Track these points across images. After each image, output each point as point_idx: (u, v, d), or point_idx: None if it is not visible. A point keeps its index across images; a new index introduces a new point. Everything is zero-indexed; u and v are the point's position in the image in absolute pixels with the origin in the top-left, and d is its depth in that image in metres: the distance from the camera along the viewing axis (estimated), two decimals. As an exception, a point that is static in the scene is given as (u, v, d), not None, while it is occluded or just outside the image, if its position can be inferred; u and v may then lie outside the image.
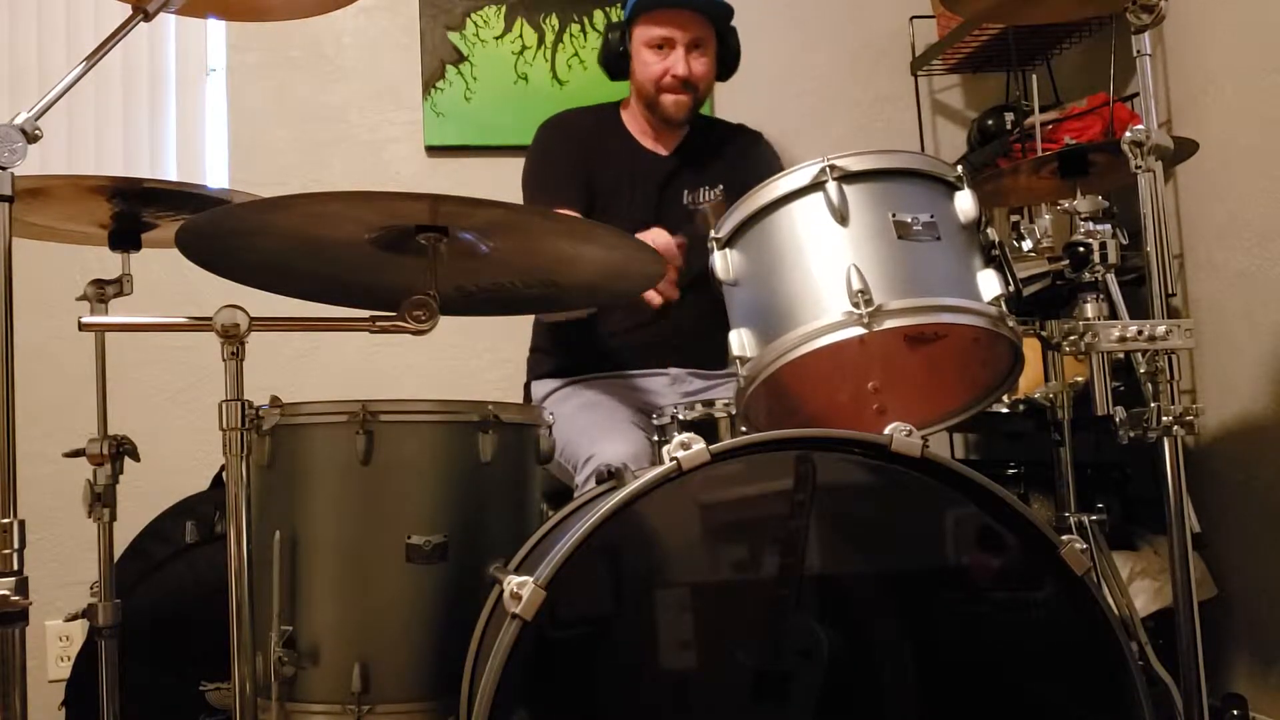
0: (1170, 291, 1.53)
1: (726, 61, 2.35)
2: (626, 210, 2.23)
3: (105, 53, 1.32)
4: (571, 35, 2.78)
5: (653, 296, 1.88)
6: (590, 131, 2.37)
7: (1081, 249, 1.55)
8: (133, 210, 1.61)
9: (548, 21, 2.77)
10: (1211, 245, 2.34)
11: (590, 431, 2.02)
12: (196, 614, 1.58)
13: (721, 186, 2.34)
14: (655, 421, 1.56)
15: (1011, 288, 1.44)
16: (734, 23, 2.31)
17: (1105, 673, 1.23)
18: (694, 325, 2.23)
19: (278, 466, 1.50)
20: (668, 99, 2.27)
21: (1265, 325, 2.20)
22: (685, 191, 2.34)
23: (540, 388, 2.35)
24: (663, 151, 2.36)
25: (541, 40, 2.76)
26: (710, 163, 2.37)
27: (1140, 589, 2.13)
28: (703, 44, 2.27)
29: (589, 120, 2.41)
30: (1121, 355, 1.59)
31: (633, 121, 2.37)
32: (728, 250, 1.51)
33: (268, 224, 1.34)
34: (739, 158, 2.38)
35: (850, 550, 1.28)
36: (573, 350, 2.32)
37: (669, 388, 2.25)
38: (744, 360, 1.45)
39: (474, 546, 1.49)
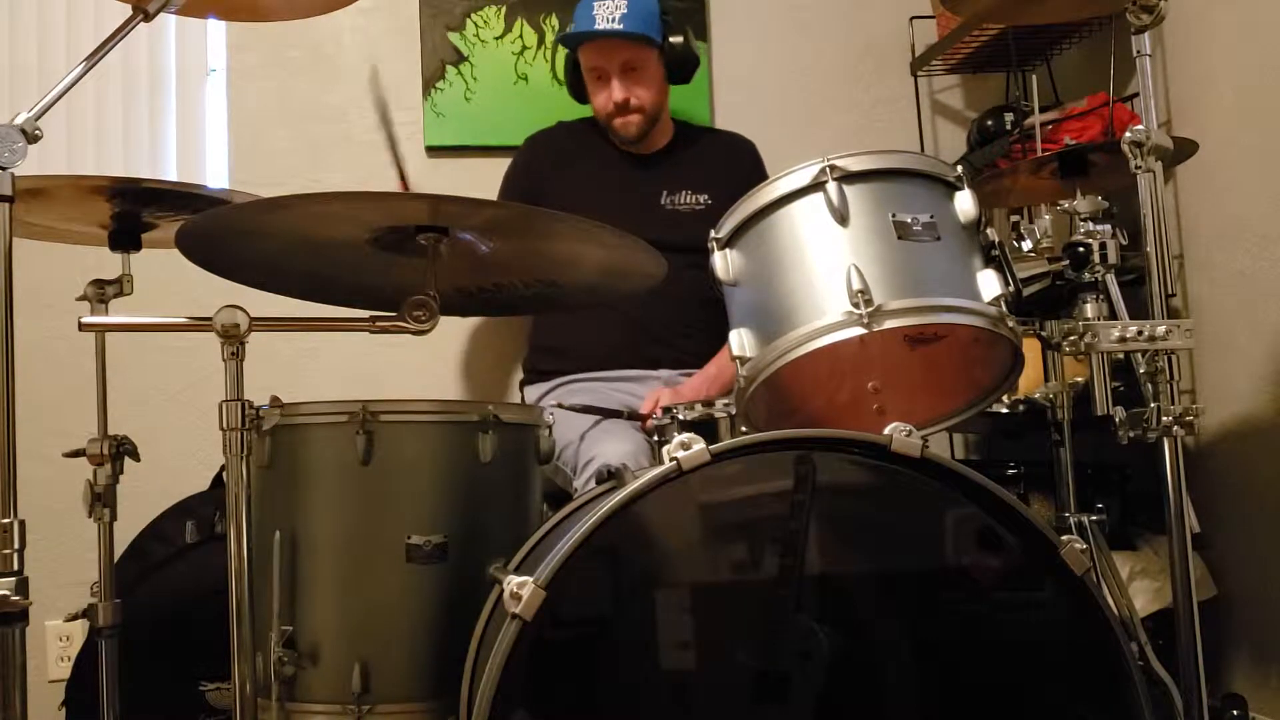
0: (1170, 292, 1.54)
1: (674, 69, 2.35)
2: (592, 204, 2.19)
3: (105, 53, 1.32)
4: (572, 35, 2.78)
5: None
6: (565, 143, 2.43)
7: (1081, 249, 1.56)
8: (133, 210, 1.61)
9: (548, 22, 2.76)
10: (1211, 245, 2.34)
11: (590, 435, 2.02)
12: (196, 614, 1.58)
13: (707, 195, 2.35)
14: (654, 422, 1.56)
15: (1011, 288, 1.44)
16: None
17: (1105, 673, 1.23)
18: (684, 326, 2.23)
19: (278, 466, 1.50)
20: (617, 122, 2.32)
21: (1265, 325, 2.20)
22: (665, 192, 2.36)
23: (533, 392, 2.36)
24: (643, 153, 2.40)
25: (541, 40, 2.76)
26: (696, 169, 2.39)
27: (1140, 589, 2.13)
28: (638, 64, 2.28)
29: (572, 133, 2.47)
30: (1121, 355, 1.59)
31: (612, 133, 2.42)
32: (728, 250, 1.52)
33: (268, 224, 1.34)
34: (728, 166, 2.40)
35: (850, 550, 1.28)
36: (562, 354, 2.33)
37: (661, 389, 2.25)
38: (744, 360, 1.45)
39: (474, 546, 1.49)
